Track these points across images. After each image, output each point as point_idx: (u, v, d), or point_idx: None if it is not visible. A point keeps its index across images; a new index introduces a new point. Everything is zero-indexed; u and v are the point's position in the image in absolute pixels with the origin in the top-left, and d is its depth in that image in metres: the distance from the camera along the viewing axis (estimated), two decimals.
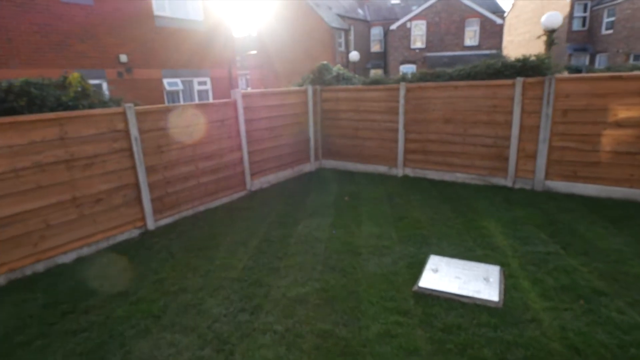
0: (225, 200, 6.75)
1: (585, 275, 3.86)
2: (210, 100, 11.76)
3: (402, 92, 7.61)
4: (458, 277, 3.77)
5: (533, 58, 6.53)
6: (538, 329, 3.07)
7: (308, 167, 8.76)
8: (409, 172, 7.96)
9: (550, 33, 11.49)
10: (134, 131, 5.24)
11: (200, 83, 11.54)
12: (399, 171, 8.02)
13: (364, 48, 29.64)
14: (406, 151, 7.90)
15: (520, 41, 32.94)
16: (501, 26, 27.36)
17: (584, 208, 5.70)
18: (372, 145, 8.31)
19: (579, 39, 27.57)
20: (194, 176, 6.18)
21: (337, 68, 9.04)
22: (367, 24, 31.11)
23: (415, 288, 3.66)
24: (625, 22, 24.22)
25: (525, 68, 6.52)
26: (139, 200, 5.42)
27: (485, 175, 7.13)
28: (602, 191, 6.13)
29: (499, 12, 28.72)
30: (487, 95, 6.80)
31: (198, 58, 11.44)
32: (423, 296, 3.57)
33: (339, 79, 8.98)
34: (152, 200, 5.58)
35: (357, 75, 9.51)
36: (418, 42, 27.14)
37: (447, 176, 7.52)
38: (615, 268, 3.98)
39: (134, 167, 5.32)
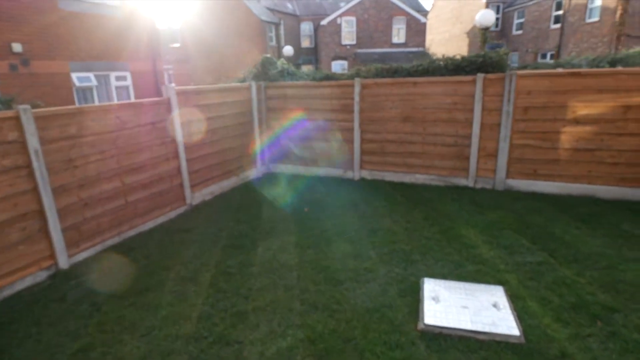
0: (162, 220, 5.58)
1: (587, 288, 3.57)
2: (132, 98, 10.15)
3: (357, 89, 7.02)
4: (465, 307, 3.23)
5: (493, 54, 6.33)
6: None
7: (255, 173, 7.82)
8: (366, 174, 7.43)
9: (484, 30, 11.78)
10: (33, 142, 3.93)
11: (118, 78, 9.88)
12: (356, 174, 7.45)
13: (294, 43, 28.86)
14: (363, 152, 7.35)
15: (441, 40, 34.72)
16: (425, 25, 28.43)
17: (551, 208, 5.60)
18: (328, 148, 7.63)
19: (494, 39, 29.68)
20: (121, 194, 4.96)
21: (281, 62, 8.18)
22: (297, 18, 30.38)
23: (421, 326, 3.05)
24: (533, 24, 26.55)
25: (486, 64, 6.30)
26: (45, 232, 4.11)
27: (446, 175, 6.85)
28: (562, 188, 6.14)
29: (423, 11, 29.86)
30: (447, 92, 6.48)
31: (115, 49, 9.76)
32: (433, 337, 2.97)
33: (284, 74, 8.14)
34: (64, 231, 4.29)
35: (300, 71, 8.75)
36: (348, 38, 27.10)
37: (407, 178, 7.12)
38: (610, 276, 3.76)
39: (35, 190, 4.00)
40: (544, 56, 25.48)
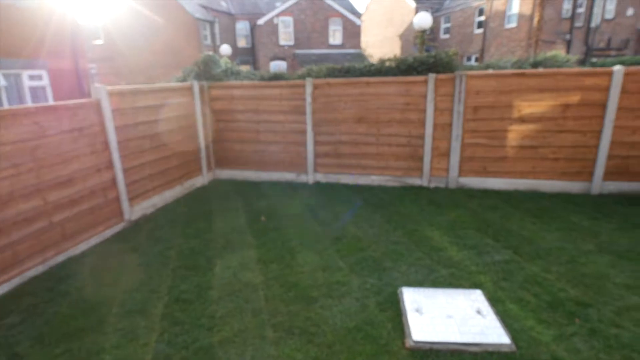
0: (96, 240, 4.82)
1: (557, 284, 3.62)
2: (50, 100, 8.88)
3: (308, 89, 6.72)
4: (450, 316, 3.08)
5: (443, 54, 6.39)
6: None
7: (200, 181, 7.18)
8: (321, 177, 7.17)
9: (422, 33, 12.13)
10: None
11: (33, 77, 8.57)
12: (310, 177, 7.16)
13: (230, 43, 27.82)
14: (317, 155, 7.08)
15: (374, 42, 35.77)
16: (359, 27, 29.04)
17: (504, 204, 5.76)
18: (276, 149, 7.23)
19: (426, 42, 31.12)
20: (43, 214, 4.16)
21: (224, 61, 7.63)
22: (232, 17, 29.36)
23: (410, 344, 2.82)
24: (459, 28, 28.31)
25: (437, 64, 6.34)
26: None
27: (401, 176, 6.82)
28: (510, 184, 6.38)
29: (357, 14, 30.47)
30: (400, 92, 6.43)
31: (28, 44, 8.44)
32: (424, 354, 2.75)
33: (228, 73, 7.60)
34: None
35: (245, 70, 8.26)
36: (286, 38, 26.76)
37: (362, 180, 6.98)
38: (574, 270, 3.87)
39: None
40: (468, 59, 27.26)
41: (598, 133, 5.87)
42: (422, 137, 6.54)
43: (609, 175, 5.99)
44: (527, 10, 23.11)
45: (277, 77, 7.05)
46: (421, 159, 6.65)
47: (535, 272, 3.86)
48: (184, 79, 7.32)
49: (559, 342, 2.85)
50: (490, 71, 6.30)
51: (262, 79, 7.20)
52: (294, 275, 3.93)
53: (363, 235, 4.85)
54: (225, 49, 18.43)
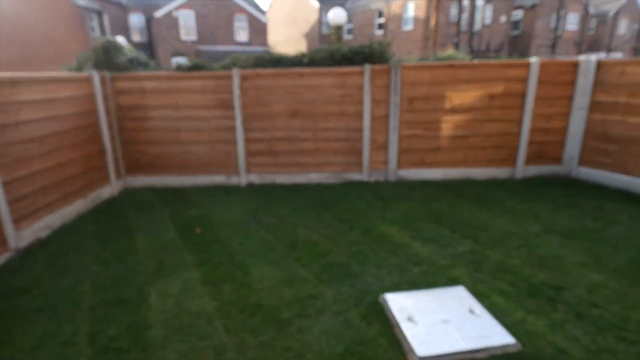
0: None
1: (525, 270, 3.60)
2: None
3: (236, 81, 6.01)
4: (445, 321, 2.79)
5: (376, 45, 6.22)
6: None
7: (109, 191, 5.96)
8: (255, 178, 6.50)
9: (337, 29, 12.08)
10: None
11: None
12: (242, 179, 6.44)
13: (122, 36, 24.90)
14: (249, 154, 6.39)
15: (279, 41, 35.45)
16: (266, 25, 28.44)
17: (445, 193, 5.81)
18: (202, 150, 6.35)
19: (328, 41, 31.80)
20: None
21: (128, 49, 6.47)
22: (124, 8, 26.29)
23: None
24: (361, 29, 29.46)
25: (371, 55, 6.15)
26: None
27: (341, 171, 6.51)
28: (444, 174, 6.50)
29: (262, 12, 29.80)
30: (336, 84, 6.11)
31: None
32: None
33: (134, 63, 6.47)
34: None
35: (153, 61, 7.18)
36: (189, 33, 24.91)
37: (300, 178, 6.51)
38: (532, 253, 3.93)
39: None
40: None
41: (519, 121, 6.28)
42: (360, 130, 6.31)
43: (529, 160, 6.45)
44: (421, 14, 24.98)
45: (197, 67, 6.16)
46: (360, 153, 6.42)
47: (500, 259, 3.82)
48: (78, 69, 6.00)
49: (555, 332, 2.75)
50: (424, 63, 6.33)
51: (180, 69, 6.23)
52: (253, 295, 3.30)
53: (319, 238, 4.38)
54: (121, 40, 16.30)
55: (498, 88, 6.11)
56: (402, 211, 5.15)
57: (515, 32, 31.48)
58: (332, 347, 2.65)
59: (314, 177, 6.50)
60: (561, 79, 6.11)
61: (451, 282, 3.42)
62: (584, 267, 3.64)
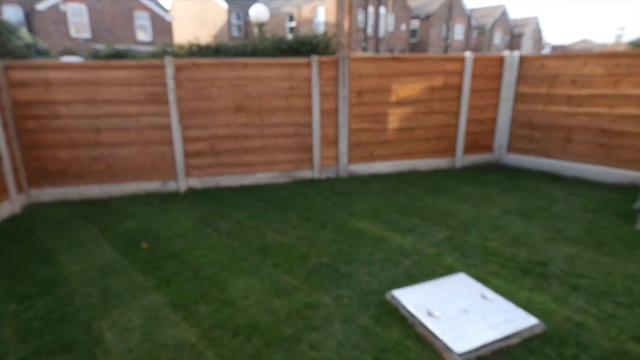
0: None
1: (506, 250, 3.66)
2: None
3: (169, 71, 5.24)
4: (466, 311, 2.61)
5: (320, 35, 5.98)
6: (605, 333, 2.46)
7: (8, 209, 4.71)
8: (196, 183, 5.76)
9: (260, 26, 11.65)
10: None
11: None
12: (181, 184, 5.66)
13: None
14: (188, 155, 5.64)
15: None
16: (170, 24, 26.55)
17: (401, 185, 5.80)
18: (129, 153, 5.42)
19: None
20: None
21: (25, 33, 5.25)
22: None
23: (455, 359, 2.21)
24: (271, 32, 29.17)
25: (317, 47, 5.89)
26: None
27: (291, 170, 6.12)
28: (393, 166, 6.53)
29: (167, 10, 27.74)
30: (283, 76, 5.71)
31: None
32: None
33: (32, 50, 5.29)
34: None
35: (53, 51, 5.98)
36: (80, 30, 22.00)
37: (247, 179, 5.95)
38: (505, 234, 4.04)
39: None
40: None
41: (457, 113, 6.59)
42: (309, 125, 6.00)
43: (466, 150, 6.82)
44: (332, 19, 25.66)
45: (120, 54, 5.25)
46: (310, 149, 6.11)
47: (479, 242, 3.84)
48: None
49: (563, 306, 2.76)
50: (370, 55, 6.29)
51: (95, 56, 5.24)
52: (241, 313, 2.76)
53: (292, 240, 3.96)
54: None
55: (438, 81, 6.33)
56: (366, 205, 4.96)
57: (414, 40, 34.20)
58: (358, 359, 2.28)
59: (262, 177, 6.00)
60: (490, 73, 6.57)
61: (447, 270, 3.30)
62: (552, 242, 3.83)
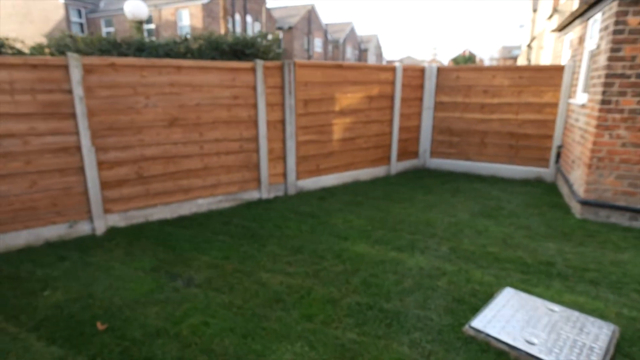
0: None
1: (509, 255, 3.75)
2: None
3: (76, 74, 3.84)
4: (555, 331, 2.47)
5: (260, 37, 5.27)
6: None
7: None
8: (118, 220, 4.37)
9: (138, 24, 10.03)
10: None
11: None
12: (99, 224, 4.21)
13: None
14: (106, 185, 4.23)
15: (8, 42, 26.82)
16: None
17: (358, 197, 5.55)
18: (14, 189, 3.75)
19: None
20: None
21: None
22: None
23: None
24: (124, 33, 25.65)
25: (259, 50, 5.16)
26: None
27: (236, 192, 5.23)
28: (338, 179, 6.24)
29: None
30: (225, 83, 4.83)
31: None
32: None
33: None
34: None
35: None
36: None
37: (186, 208, 4.83)
38: (492, 238, 4.16)
39: None
40: None
41: (391, 122, 6.70)
42: (255, 139, 5.23)
43: (399, 157, 7.00)
44: (198, 23, 24.06)
45: None
46: (257, 166, 5.33)
47: (481, 250, 3.85)
48: None
49: (607, 304, 2.89)
50: (315, 61, 5.84)
51: None
52: None
53: (300, 281, 3.26)
54: None
55: (375, 90, 6.32)
56: (343, 225, 4.53)
57: (279, 50, 34.69)
58: None
59: (203, 203, 4.95)
60: (414, 83, 6.90)
61: (484, 286, 3.16)
62: (533, 240, 4.10)
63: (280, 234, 4.23)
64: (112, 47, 4.19)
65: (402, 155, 7.05)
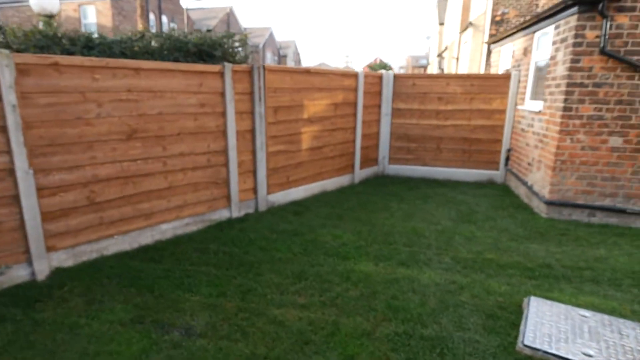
0: None
1: (509, 261, 3.80)
2: None
3: (6, 77, 2.96)
4: (600, 339, 2.47)
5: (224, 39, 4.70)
6: None
7: None
8: (66, 258, 3.50)
9: (48, 19, 8.62)
10: None
11: None
12: (40, 266, 3.30)
13: None
14: (48, 216, 3.35)
15: None
16: None
17: (334, 210, 5.29)
18: None
19: None
20: None
21: None
22: None
23: None
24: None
25: (225, 52, 4.61)
26: None
27: (205, 212, 4.60)
28: (307, 191, 5.90)
29: None
30: (191, 88, 4.20)
31: None
32: None
33: None
34: None
35: None
36: None
37: (148, 236, 4.08)
38: (485, 245, 4.20)
39: None
40: None
41: (354, 129, 6.56)
42: (224, 151, 4.66)
43: (361, 164, 6.89)
44: (107, 22, 21.73)
45: None
46: (226, 182, 4.76)
47: (479, 257, 3.86)
48: None
49: (622, 304, 3.01)
50: (284, 66, 5.42)
51: None
52: None
53: (319, 315, 2.87)
54: None
55: (339, 97, 6.12)
56: (334, 241, 4.22)
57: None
58: None
59: (168, 229, 4.24)
60: (373, 90, 6.85)
61: (507, 296, 3.11)
62: (519, 242, 4.24)
63: (271, 259, 3.76)
64: (52, 43, 3.31)
65: (364, 163, 6.95)
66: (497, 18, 12.76)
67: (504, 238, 4.34)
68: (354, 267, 3.61)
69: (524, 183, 5.84)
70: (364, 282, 3.32)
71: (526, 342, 2.43)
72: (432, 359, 2.39)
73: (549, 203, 5.01)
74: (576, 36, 4.49)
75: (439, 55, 27.43)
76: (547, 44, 5.41)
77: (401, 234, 4.44)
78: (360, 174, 6.89)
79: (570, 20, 4.61)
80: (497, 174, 6.93)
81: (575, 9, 4.43)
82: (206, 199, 4.57)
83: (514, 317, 2.81)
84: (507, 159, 6.78)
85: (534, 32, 5.87)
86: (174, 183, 4.22)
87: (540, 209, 5.18)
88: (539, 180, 5.32)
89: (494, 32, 12.70)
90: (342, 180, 6.51)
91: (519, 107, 6.39)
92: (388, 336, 2.61)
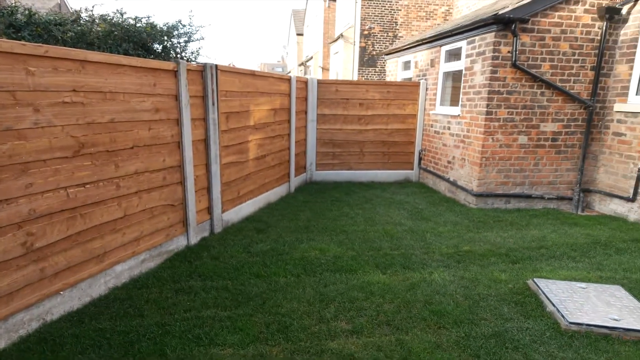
0: None
1: (498, 250, 4.20)
2: None
3: None
4: (624, 308, 2.94)
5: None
6: None
7: None
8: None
9: None
10: None
11: None
12: None
13: None
14: None
15: None
16: None
17: (295, 223, 4.96)
18: None
19: None
20: None
21: None
22: None
23: None
24: None
25: (179, 45, 3.81)
26: None
27: (162, 242, 3.73)
28: (255, 204, 5.40)
29: None
30: (145, 89, 3.36)
31: None
32: None
33: None
34: None
35: None
36: None
37: (100, 284, 3.08)
38: (470, 241, 4.56)
39: None
40: None
41: (289, 136, 6.30)
42: (180, 166, 3.88)
43: (295, 172, 6.67)
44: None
45: None
46: (183, 203, 3.97)
47: (453, 251, 4.16)
48: None
49: (589, 272, 3.65)
50: (233, 67, 4.75)
51: None
52: None
53: (367, 339, 2.64)
54: None
55: (277, 102, 5.80)
56: (323, 257, 3.96)
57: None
58: None
59: (122, 270, 3.29)
60: (301, 95, 6.72)
61: (514, 283, 3.42)
62: (476, 232, 4.75)
63: (275, 286, 3.29)
64: None
65: (297, 170, 6.74)
66: (365, 32, 14.10)
67: (461, 230, 4.79)
68: (367, 279, 3.45)
69: (446, 179, 6.57)
70: (389, 294, 3.20)
71: (571, 320, 2.72)
72: (514, 356, 2.45)
73: (477, 195, 5.76)
74: (494, 50, 5.28)
75: (302, 64, 28.64)
76: (456, 57, 6.22)
77: (379, 238, 4.46)
78: (295, 181, 6.66)
79: (486, 36, 5.39)
80: (412, 173, 7.62)
81: (494, 27, 5.20)
82: (163, 226, 3.72)
83: (533, 300, 3.12)
84: (421, 159, 7.52)
85: (441, 45, 6.67)
86: (129, 210, 3.30)
87: (469, 200, 5.91)
88: (465, 175, 6.05)
89: (363, 44, 14.04)
90: (281, 190, 6.17)
91: (430, 112, 7.16)
92: (457, 343, 2.57)
